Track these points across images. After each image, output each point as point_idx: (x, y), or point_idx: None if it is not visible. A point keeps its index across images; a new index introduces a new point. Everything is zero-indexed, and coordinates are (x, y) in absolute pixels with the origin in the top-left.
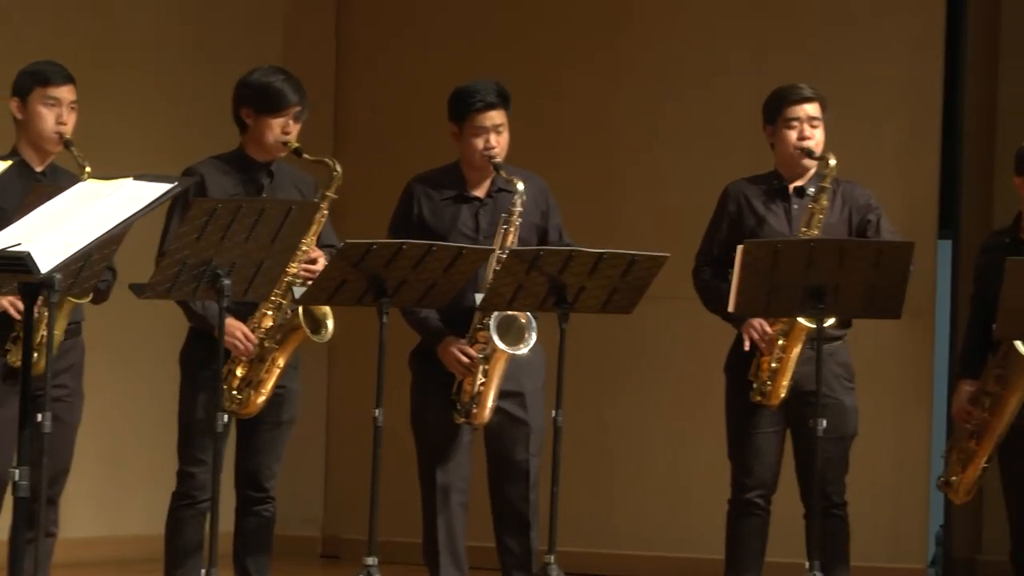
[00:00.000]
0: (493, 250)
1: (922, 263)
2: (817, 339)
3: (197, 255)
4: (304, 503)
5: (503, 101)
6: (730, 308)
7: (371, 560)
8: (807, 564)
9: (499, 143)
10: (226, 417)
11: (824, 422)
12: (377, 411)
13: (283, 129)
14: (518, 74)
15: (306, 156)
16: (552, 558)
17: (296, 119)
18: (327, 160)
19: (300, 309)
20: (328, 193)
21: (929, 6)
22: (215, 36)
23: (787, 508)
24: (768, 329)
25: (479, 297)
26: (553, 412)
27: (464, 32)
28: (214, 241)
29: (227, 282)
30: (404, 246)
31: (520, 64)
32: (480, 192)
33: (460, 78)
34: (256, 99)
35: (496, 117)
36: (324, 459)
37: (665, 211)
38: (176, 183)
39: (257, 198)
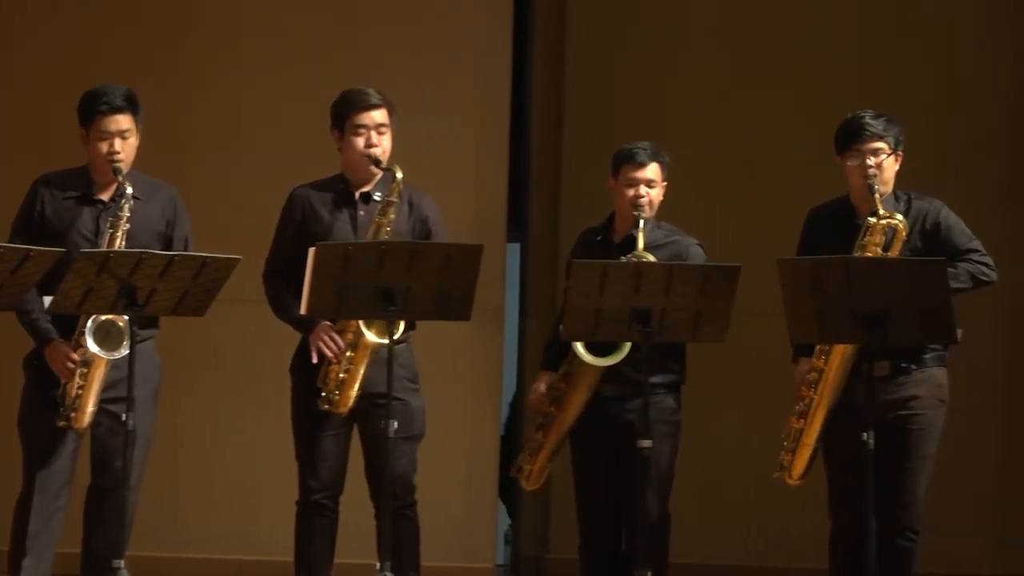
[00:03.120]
0: (63, 251)
1: (491, 265)
2: (388, 342)
3: None
4: None
5: (130, 106)
6: (302, 310)
7: None
8: (377, 565)
9: (124, 148)
10: None
11: (396, 423)
12: None
13: None
14: (95, 74)
15: None
16: (122, 563)
17: None
18: None
19: None
20: None
21: (497, 9)
22: None
23: (357, 509)
24: (340, 341)
25: (47, 300)
26: (124, 415)
27: (36, 32)
28: None
29: None
30: None
31: (94, 64)
32: (105, 195)
33: (35, 77)
34: None
35: (122, 122)
36: None
37: (234, 212)
38: None
39: None
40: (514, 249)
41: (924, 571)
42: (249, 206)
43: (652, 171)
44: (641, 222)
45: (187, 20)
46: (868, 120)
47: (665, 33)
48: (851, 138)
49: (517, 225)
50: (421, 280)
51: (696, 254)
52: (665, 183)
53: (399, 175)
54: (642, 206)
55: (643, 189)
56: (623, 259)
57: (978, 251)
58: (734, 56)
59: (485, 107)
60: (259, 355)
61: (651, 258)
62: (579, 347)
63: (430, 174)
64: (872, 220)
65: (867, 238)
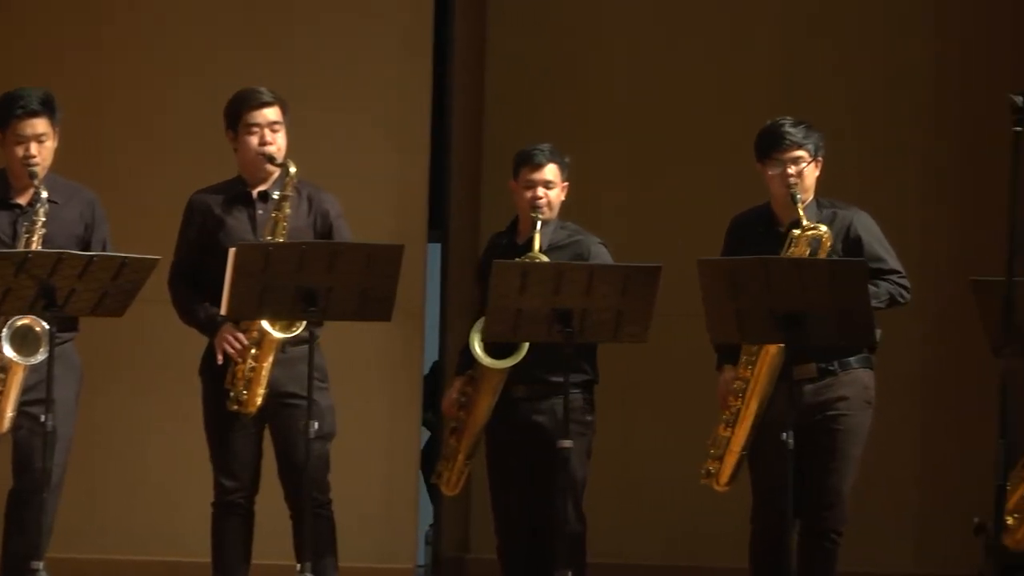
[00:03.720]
0: None
1: (412, 265)
2: (309, 341)
3: None
4: None
5: (47, 109)
6: (222, 311)
7: None
8: (298, 566)
9: (41, 152)
10: None
11: (317, 424)
12: None
13: None
14: (10, 76)
15: None
16: (41, 565)
17: None
18: None
19: None
20: None
21: (417, 9)
22: None
23: (276, 509)
24: (243, 339)
25: None
26: (43, 417)
27: None
28: None
29: None
30: None
31: (10, 66)
32: (23, 199)
33: None
34: None
35: (39, 125)
36: None
37: (153, 212)
38: None
39: None
40: (435, 249)
41: (845, 570)
42: (168, 207)
43: (550, 172)
44: (539, 223)
45: (104, 21)
46: (788, 128)
47: (585, 33)
48: (771, 146)
49: (437, 225)
50: (342, 280)
51: (599, 253)
52: (566, 183)
53: (292, 169)
54: (540, 207)
55: (541, 190)
56: (516, 261)
57: (899, 272)
58: (655, 55)
59: (405, 107)
60: (178, 355)
61: (545, 260)
62: (477, 350)
63: (350, 174)
64: (796, 232)
65: (792, 249)
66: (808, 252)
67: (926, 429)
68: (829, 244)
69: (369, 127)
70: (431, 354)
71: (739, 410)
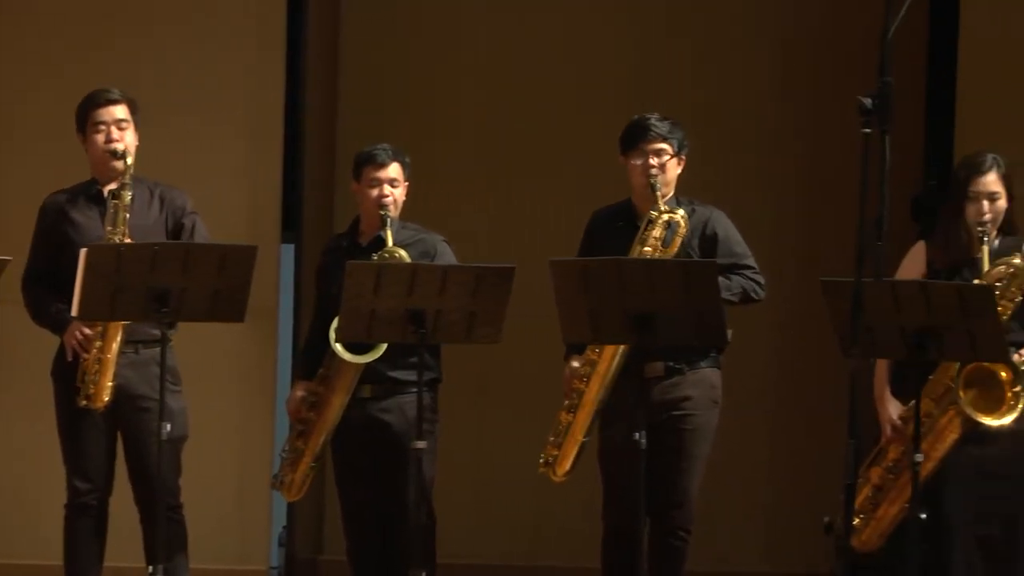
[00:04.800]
0: None
1: (266, 266)
2: (162, 342)
3: None
4: None
5: None
6: (73, 311)
7: None
8: (149, 568)
9: None
10: None
11: (168, 426)
12: None
13: None
14: None
15: None
16: None
17: None
18: None
19: None
20: None
21: (270, 3)
22: None
23: (130, 511)
24: (87, 331)
25: None
26: None
27: None
28: None
29: None
30: None
31: None
32: None
33: None
34: None
35: None
36: None
37: (7, 212)
38: None
39: None
40: (288, 250)
41: (695, 569)
42: (23, 208)
43: (394, 170)
44: (388, 220)
45: None
46: (654, 122)
47: (440, 33)
48: (636, 138)
49: (291, 226)
50: (195, 281)
51: (444, 251)
52: (407, 183)
53: (129, 160)
54: (387, 205)
55: (387, 188)
56: (374, 256)
57: (753, 268)
58: (507, 58)
59: (259, 107)
60: (29, 356)
61: (403, 253)
62: (338, 345)
63: (203, 174)
64: (654, 214)
65: (647, 232)
66: (663, 235)
67: (776, 428)
68: (685, 230)
69: (221, 126)
70: (285, 355)
71: (582, 394)
